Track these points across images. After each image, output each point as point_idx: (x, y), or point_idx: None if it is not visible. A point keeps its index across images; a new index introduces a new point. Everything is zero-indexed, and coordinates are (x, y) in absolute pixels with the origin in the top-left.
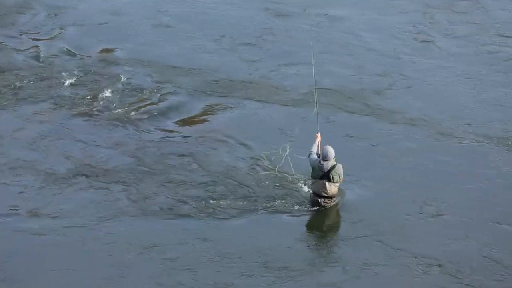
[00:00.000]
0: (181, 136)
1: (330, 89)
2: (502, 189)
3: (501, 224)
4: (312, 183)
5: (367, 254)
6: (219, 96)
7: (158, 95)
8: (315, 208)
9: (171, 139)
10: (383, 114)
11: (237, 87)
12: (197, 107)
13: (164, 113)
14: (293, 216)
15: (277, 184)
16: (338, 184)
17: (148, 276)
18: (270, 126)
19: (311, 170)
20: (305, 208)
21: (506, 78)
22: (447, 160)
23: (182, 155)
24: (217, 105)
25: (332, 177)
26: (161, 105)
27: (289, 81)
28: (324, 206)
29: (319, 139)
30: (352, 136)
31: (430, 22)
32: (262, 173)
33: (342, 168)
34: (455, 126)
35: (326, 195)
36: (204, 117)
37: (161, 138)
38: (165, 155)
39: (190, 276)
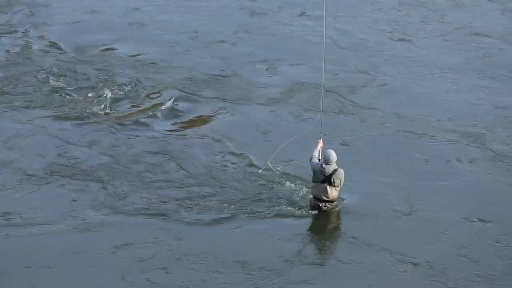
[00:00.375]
0: (160, 135)
1: (305, 87)
2: (475, 186)
3: (474, 221)
4: (313, 187)
5: (344, 253)
6: (195, 94)
7: (133, 92)
8: (315, 212)
9: (149, 138)
10: (357, 111)
11: (212, 85)
12: (174, 105)
13: (140, 112)
14: (275, 217)
15: (260, 186)
16: (338, 189)
17: (120, 275)
18: (249, 125)
19: (312, 174)
20: (288, 209)
21: (479, 76)
22: (420, 158)
23: (161, 155)
24: (193, 103)
25: (334, 181)
26: (136, 103)
27: (264, 79)
28: (324, 210)
29: (321, 144)
30: (326, 134)
31: (405, 20)
32: (244, 174)
33: (343, 172)
34: (428, 124)
35: (326, 199)
36: (182, 116)
37: (138, 137)
38: (142, 154)
39: (163, 274)
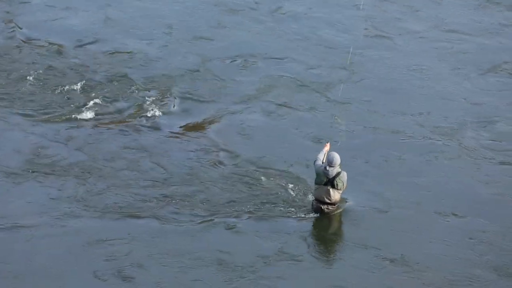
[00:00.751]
0: (137, 132)
1: (282, 82)
2: (448, 183)
3: (449, 218)
4: (315, 189)
5: (321, 250)
6: (172, 91)
7: (110, 89)
8: (317, 214)
9: (126, 136)
10: (332, 108)
11: (188, 82)
12: (151, 102)
13: (116, 109)
14: (255, 217)
15: (242, 184)
16: (341, 191)
17: (92, 271)
18: (226, 121)
19: (315, 177)
20: (269, 208)
21: (454, 73)
22: (395, 154)
23: (138, 153)
24: (171, 100)
25: (336, 184)
26: (112, 100)
27: (240, 75)
28: (327, 212)
29: (327, 148)
30: (300, 131)
31: (382, 17)
32: (224, 173)
33: (346, 175)
34: (402, 120)
35: (329, 201)
36: (160, 113)
37: (114, 134)
38: (119, 152)
39: (136, 270)
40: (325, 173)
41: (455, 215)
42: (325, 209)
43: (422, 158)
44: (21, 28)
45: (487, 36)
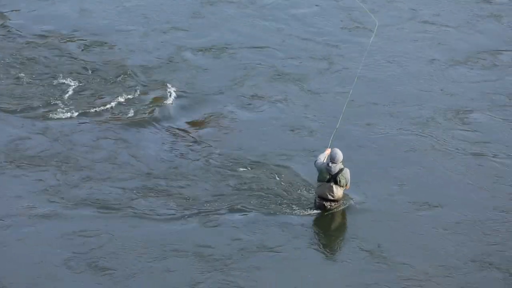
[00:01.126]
0: (116, 124)
1: (257, 72)
2: (424, 174)
3: (425, 209)
4: (317, 187)
5: (301, 242)
6: (150, 81)
7: (89, 81)
8: (320, 212)
9: (104, 128)
10: (306, 98)
11: (166, 72)
12: (130, 93)
13: (95, 100)
14: (236, 212)
15: (222, 178)
16: (344, 188)
17: (67, 263)
18: (207, 115)
19: (317, 174)
20: (250, 203)
21: (430, 64)
22: (370, 146)
23: (116, 145)
24: (150, 91)
25: (339, 180)
26: (91, 91)
27: (218, 67)
28: (330, 209)
29: (328, 152)
30: (276, 121)
31: (359, 8)
32: (203, 166)
33: (349, 172)
34: (378, 112)
35: (332, 198)
36: (139, 104)
37: (93, 126)
38: (97, 144)
39: (109, 261)
40: (328, 169)
41: (431, 206)
42: (328, 206)
43: (397, 149)
44: (10, 20)
45: (464, 27)
